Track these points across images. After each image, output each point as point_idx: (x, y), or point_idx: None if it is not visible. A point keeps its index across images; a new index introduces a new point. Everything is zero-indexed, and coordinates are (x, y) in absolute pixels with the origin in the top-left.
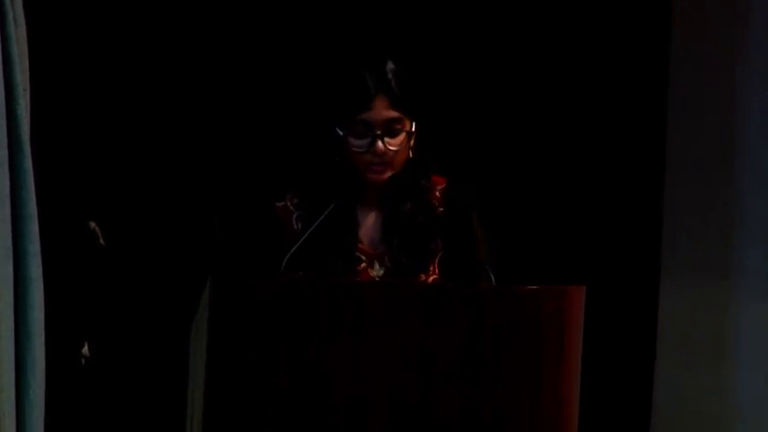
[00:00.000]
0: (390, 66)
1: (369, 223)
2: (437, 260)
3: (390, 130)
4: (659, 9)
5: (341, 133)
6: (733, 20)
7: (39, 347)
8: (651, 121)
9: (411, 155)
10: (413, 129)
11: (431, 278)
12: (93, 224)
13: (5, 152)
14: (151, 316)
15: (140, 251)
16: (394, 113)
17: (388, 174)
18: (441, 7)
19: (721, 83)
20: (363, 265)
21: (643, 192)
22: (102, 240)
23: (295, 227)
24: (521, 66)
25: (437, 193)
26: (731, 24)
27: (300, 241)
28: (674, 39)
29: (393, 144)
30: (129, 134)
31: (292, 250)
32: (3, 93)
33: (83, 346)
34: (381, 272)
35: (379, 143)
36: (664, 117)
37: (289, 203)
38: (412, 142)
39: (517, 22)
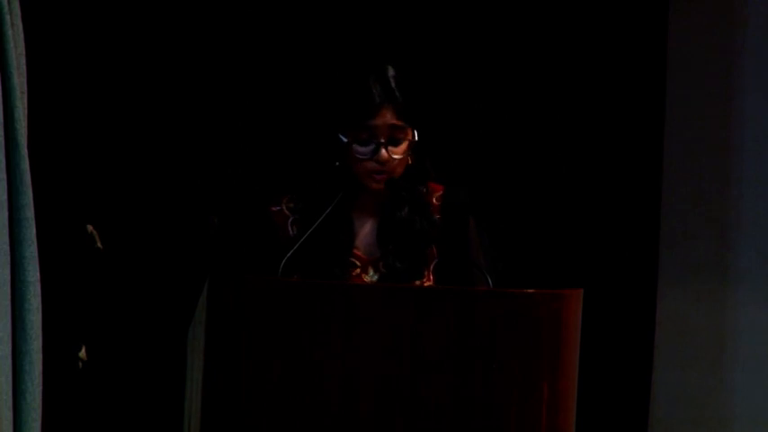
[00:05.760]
0: (393, 73)
1: (365, 229)
2: (432, 267)
3: (394, 138)
4: (655, 15)
5: (345, 140)
6: (730, 21)
7: (36, 351)
8: (648, 124)
9: (410, 161)
10: (415, 137)
11: (426, 285)
12: (90, 227)
13: (2, 155)
14: (148, 319)
15: (137, 254)
16: (398, 122)
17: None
18: (439, 13)
19: (719, 85)
20: (357, 270)
21: (640, 195)
22: (99, 243)
23: (290, 231)
24: (517, 71)
25: (434, 200)
26: (728, 26)
27: (297, 245)
28: (672, 41)
29: (396, 152)
30: (127, 138)
31: (288, 254)
32: (0, 96)
33: (80, 349)
34: (375, 277)
35: (383, 151)
36: (661, 120)
37: (284, 208)
38: (410, 150)
39: (514, 29)
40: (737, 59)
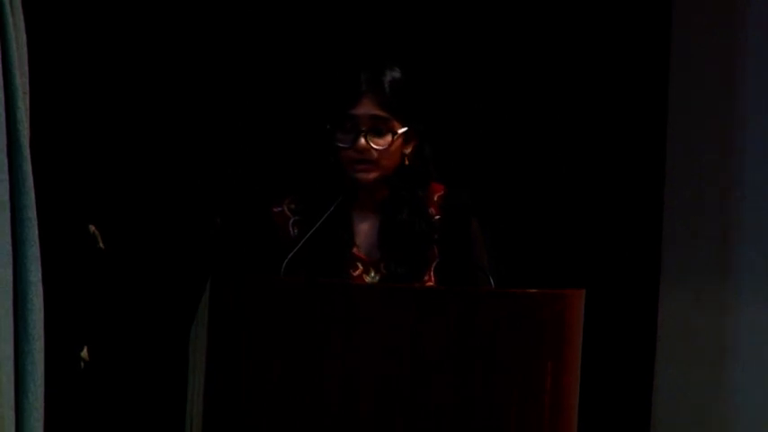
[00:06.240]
0: (387, 69)
1: (366, 230)
2: (433, 267)
3: (376, 128)
4: (658, 16)
5: (329, 127)
6: (733, 21)
7: (38, 351)
8: (651, 124)
9: (408, 161)
10: (400, 131)
11: (427, 285)
12: (92, 227)
13: (5, 156)
14: (150, 319)
15: (140, 255)
16: (381, 112)
17: (374, 174)
18: (440, 12)
19: (721, 85)
20: (359, 271)
21: (643, 195)
22: (101, 244)
23: (291, 232)
24: (520, 71)
25: (435, 200)
26: (731, 25)
27: (299, 246)
28: (674, 41)
29: (377, 143)
30: (129, 138)
31: (290, 255)
32: (2, 96)
33: (82, 349)
34: (376, 278)
35: (362, 139)
36: (663, 121)
37: (286, 209)
38: (409, 150)
39: (516, 28)
40: (740, 61)
